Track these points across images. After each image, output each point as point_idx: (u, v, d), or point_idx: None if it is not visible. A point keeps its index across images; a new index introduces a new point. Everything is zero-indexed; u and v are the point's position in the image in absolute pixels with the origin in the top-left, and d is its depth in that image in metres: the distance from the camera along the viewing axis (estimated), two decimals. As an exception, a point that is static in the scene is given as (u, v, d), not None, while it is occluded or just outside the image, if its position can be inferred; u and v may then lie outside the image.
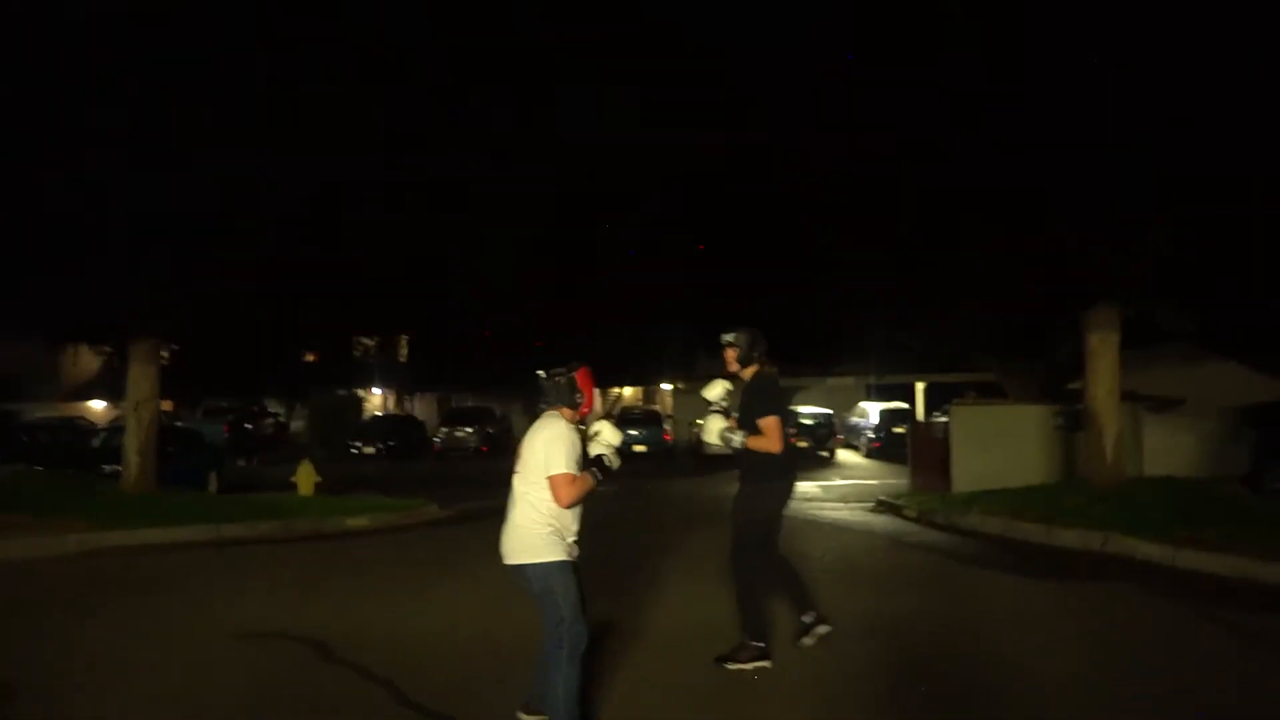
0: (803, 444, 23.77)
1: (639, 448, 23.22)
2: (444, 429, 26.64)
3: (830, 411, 25.99)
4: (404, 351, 34.61)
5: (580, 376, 4.21)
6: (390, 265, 15.00)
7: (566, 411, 4.19)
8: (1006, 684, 4.92)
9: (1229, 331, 14.52)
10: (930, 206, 11.18)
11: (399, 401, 37.32)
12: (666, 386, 35.12)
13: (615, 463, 4.24)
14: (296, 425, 32.21)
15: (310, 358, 32.16)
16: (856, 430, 26.73)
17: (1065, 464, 12.33)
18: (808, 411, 25.52)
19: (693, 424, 24.20)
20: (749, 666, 5.09)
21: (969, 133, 9.70)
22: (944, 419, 14.92)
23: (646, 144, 12.62)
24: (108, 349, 25.28)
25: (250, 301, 13.31)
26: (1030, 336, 14.37)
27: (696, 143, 12.69)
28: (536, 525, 4.01)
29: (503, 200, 13.80)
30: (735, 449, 5.28)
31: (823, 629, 5.42)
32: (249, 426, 29.00)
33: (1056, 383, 14.68)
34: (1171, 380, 14.32)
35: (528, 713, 4.25)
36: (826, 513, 12.43)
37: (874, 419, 25.67)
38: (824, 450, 24.56)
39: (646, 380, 35.14)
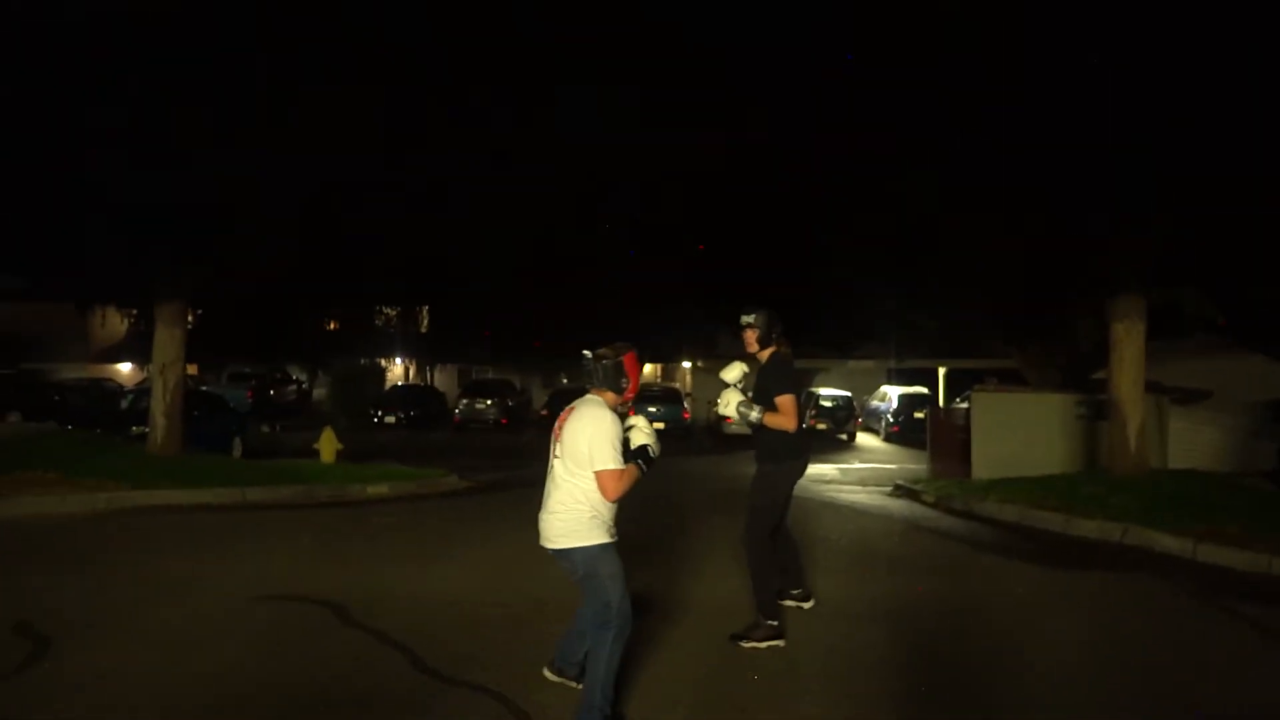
0: (821, 426, 23.75)
1: (657, 425, 23.10)
2: (464, 401, 26.81)
3: (849, 394, 25.92)
4: (425, 323, 34.83)
5: (628, 360, 4.11)
6: (395, 256, 15.21)
7: (610, 395, 4.09)
8: (1014, 672, 4.93)
9: (1257, 322, 14.34)
10: (930, 206, 11.17)
11: (420, 372, 37.59)
12: (686, 364, 35.11)
13: (657, 450, 4.11)
14: (318, 393, 32.54)
15: (332, 325, 32.45)
16: (876, 414, 26.64)
17: (1086, 454, 12.24)
18: (827, 393, 25.47)
19: (712, 403, 24.24)
20: (763, 645, 5.15)
21: (969, 133, 9.66)
22: (964, 405, 14.85)
23: (646, 144, 12.65)
24: (134, 311, 25.65)
25: (274, 261, 13.41)
26: (1049, 324, 14.29)
27: (697, 143, 12.72)
28: (580, 510, 3.97)
29: (502, 199, 13.91)
30: (752, 424, 5.32)
31: (808, 604, 5.74)
32: (272, 393, 29.36)
33: (1079, 371, 14.56)
34: (1197, 372, 14.16)
35: (554, 672, 4.36)
36: (844, 496, 12.43)
37: (894, 403, 25.58)
38: (843, 433, 24.51)
39: (666, 358, 35.14)
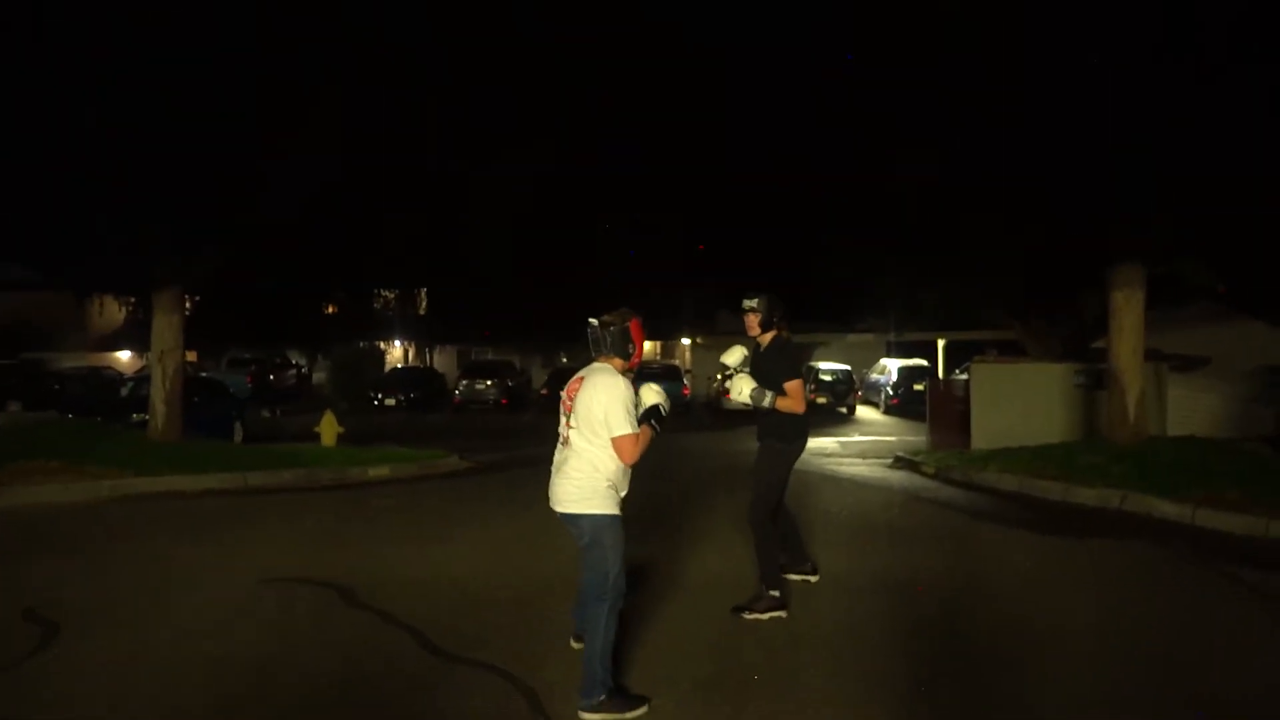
0: (821, 400, 23.79)
1: (657, 402, 23.29)
2: (464, 382, 26.82)
3: (849, 368, 25.94)
4: (423, 305, 34.80)
5: (634, 327, 4.17)
6: (395, 244, 15.19)
7: (617, 361, 4.16)
8: (1014, 639, 4.98)
9: (1256, 290, 14.32)
10: (929, 205, 11.17)
11: (419, 354, 37.59)
12: (685, 341, 35.13)
13: (668, 408, 4.22)
14: (318, 377, 32.58)
15: (331, 309, 32.42)
16: (876, 387, 26.68)
17: (1085, 423, 12.28)
18: (827, 367, 25.48)
19: (712, 379, 24.24)
20: (765, 616, 5.20)
21: (969, 132, 9.63)
22: (964, 376, 14.86)
23: (646, 143, 12.62)
24: (132, 300, 25.61)
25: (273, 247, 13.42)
26: (1050, 295, 14.29)
27: (696, 142, 12.70)
28: (597, 478, 4.03)
29: (502, 200, 13.89)
30: (763, 408, 5.36)
31: (814, 578, 5.87)
32: (272, 377, 29.37)
33: (1079, 341, 14.56)
34: (1197, 340, 14.18)
35: (579, 641, 4.41)
36: (844, 468, 12.48)
37: (893, 376, 25.61)
38: (843, 406, 24.53)
39: (666, 335, 35.16)
